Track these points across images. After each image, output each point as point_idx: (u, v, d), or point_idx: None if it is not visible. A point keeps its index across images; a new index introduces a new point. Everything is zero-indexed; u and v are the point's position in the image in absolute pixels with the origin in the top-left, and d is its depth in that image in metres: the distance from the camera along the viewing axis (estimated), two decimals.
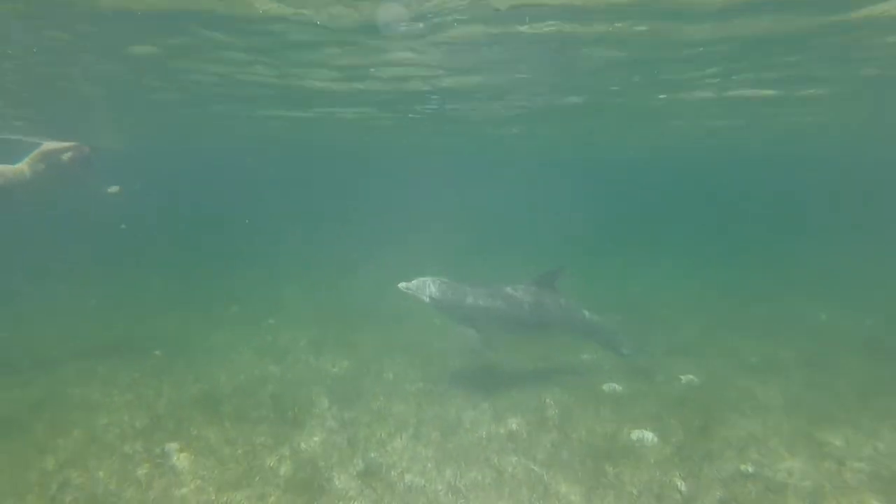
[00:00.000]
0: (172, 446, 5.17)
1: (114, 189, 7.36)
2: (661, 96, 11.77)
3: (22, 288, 12.70)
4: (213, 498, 4.43)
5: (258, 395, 6.49)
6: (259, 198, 36.65)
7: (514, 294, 6.71)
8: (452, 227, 21.25)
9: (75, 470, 4.81)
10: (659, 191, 47.43)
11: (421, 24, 7.06)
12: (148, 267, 15.77)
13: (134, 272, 15.21)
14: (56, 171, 6.87)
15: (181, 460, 4.98)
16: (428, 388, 6.80)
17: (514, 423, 5.78)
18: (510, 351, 7.84)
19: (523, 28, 7.12)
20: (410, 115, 14.65)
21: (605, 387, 6.84)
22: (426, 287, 6.67)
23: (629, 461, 5.02)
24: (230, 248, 19.43)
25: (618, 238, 24.40)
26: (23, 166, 6.72)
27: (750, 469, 4.87)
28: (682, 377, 7.20)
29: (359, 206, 42.67)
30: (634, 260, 18.11)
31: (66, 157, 6.91)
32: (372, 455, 5.14)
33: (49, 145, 6.92)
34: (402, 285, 6.75)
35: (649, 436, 5.46)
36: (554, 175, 38.33)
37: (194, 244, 20.35)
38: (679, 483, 4.67)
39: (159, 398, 6.35)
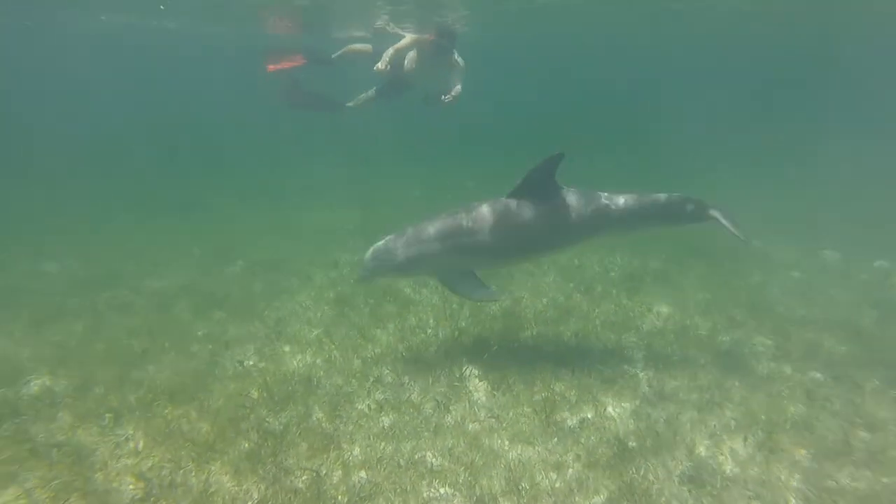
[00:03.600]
0: (472, 370, 4.92)
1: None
2: None
3: None
4: (506, 447, 3.93)
5: (561, 331, 5.78)
6: None
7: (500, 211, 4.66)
8: None
9: (386, 367, 5.01)
10: None
11: None
12: None
13: None
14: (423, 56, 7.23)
15: (478, 390, 4.67)
16: None
17: None
18: None
19: None
20: None
21: None
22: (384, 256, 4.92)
23: None
24: None
25: None
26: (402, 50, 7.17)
27: None
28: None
29: None
30: None
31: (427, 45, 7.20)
32: (701, 452, 3.85)
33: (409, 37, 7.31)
34: (359, 276, 5.26)
35: None
36: None
37: None
38: None
39: (462, 309, 6.28)
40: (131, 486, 3.53)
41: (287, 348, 5.45)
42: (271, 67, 7.36)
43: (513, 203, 4.67)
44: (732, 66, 27.46)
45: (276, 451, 3.84)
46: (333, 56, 8.07)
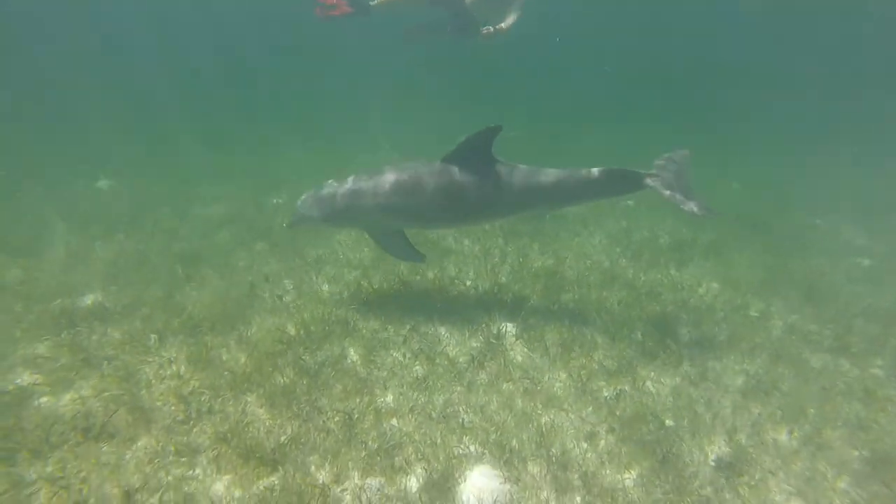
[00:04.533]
0: (508, 327, 4.85)
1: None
2: None
3: None
4: (539, 411, 3.89)
5: (604, 297, 5.60)
6: None
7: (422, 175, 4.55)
8: None
9: (422, 316, 4.98)
10: None
11: None
12: None
13: None
14: None
15: (514, 349, 4.61)
16: None
17: None
18: None
19: None
20: None
21: None
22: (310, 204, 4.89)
23: None
24: None
25: None
26: None
27: None
28: None
29: None
30: None
31: None
32: (741, 439, 3.72)
33: None
34: (290, 220, 5.12)
35: None
36: None
37: None
38: None
39: (503, 264, 6.15)
40: (173, 407, 3.68)
41: (326, 287, 5.48)
42: (319, 13, 7.11)
43: (445, 168, 4.54)
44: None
45: (311, 389, 3.91)
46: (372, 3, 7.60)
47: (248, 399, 3.79)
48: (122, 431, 3.47)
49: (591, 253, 6.68)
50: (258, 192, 8.90)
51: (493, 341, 4.65)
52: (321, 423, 3.64)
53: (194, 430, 3.51)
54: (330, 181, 4.86)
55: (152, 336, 4.37)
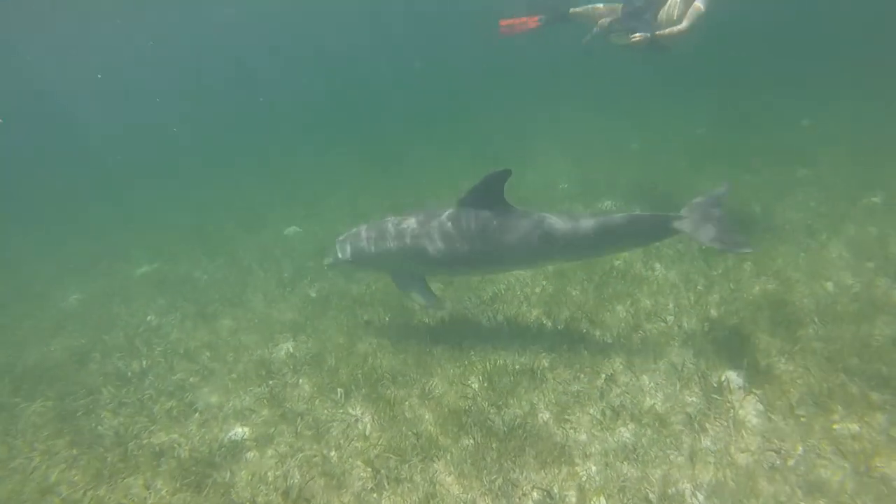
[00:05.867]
0: (732, 376, 3.93)
1: None
2: None
3: None
4: (799, 499, 2.96)
5: (862, 332, 4.31)
6: None
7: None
8: None
9: (618, 361, 4.30)
10: None
11: None
12: None
13: None
14: None
15: (745, 407, 3.68)
16: None
17: None
18: None
19: None
20: None
21: None
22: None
23: None
24: None
25: None
26: None
27: None
28: None
29: None
30: None
31: None
32: None
33: None
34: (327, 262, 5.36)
35: None
36: None
37: None
38: None
39: (710, 293, 5.16)
40: (362, 472, 3.56)
41: (506, 328, 5.10)
42: (504, 30, 6.97)
43: (462, 215, 4.46)
44: None
45: (502, 455, 3.51)
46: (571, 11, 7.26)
47: (436, 467, 3.51)
48: (316, 496, 3.43)
49: (828, 272, 5.30)
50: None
51: (715, 396, 3.78)
52: (517, 500, 3.20)
53: (383, 501, 3.33)
54: (360, 227, 5.00)
55: (339, 390, 4.39)
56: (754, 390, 3.77)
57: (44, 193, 16.65)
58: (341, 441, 3.87)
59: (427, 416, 4.01)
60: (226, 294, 6.97)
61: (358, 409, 4.21)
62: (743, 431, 3.47)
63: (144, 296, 7.46)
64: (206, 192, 13.76)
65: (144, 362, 5.42)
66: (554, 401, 3.97)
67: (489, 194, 4.35)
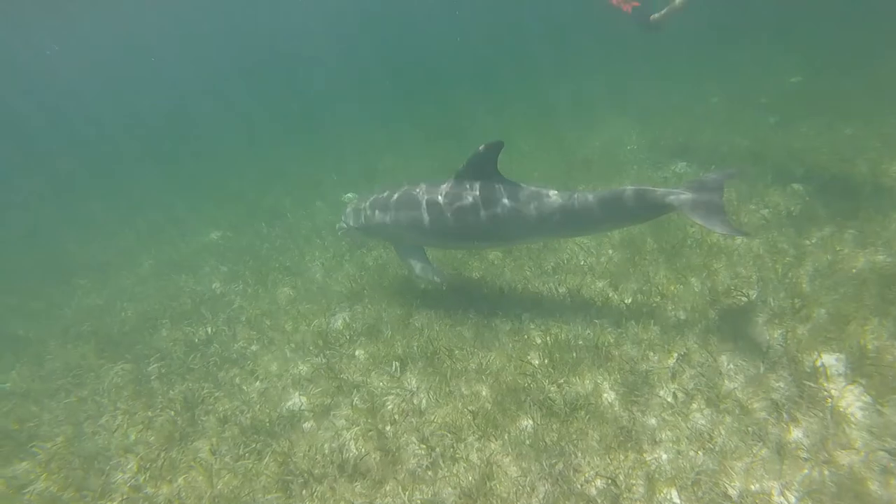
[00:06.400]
0: (830, 361, 3.50)
1: None
2: None
3: None
4: None
5: None
6: None
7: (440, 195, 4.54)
8: None
9: (692, 339, 3.95)
10: None
11: None
12: None
13: None
14: None
15: (846, 397, 3.27)
16: None
17: None
18: None
19: None
20: None
21: None
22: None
23: None
24: None
25: None
26: None
27: None
28: None
29: None
30: None
31: None
32: None
33: None
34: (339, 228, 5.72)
35: None
36: None
37: None
38: None
39: (801, 265, 4.62)
40: (417, 450, 3.48)
41: (569, 300, 4.82)
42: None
43: (457, 188, 4.50)
44: None
45: (562, 437, 3.31)
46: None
47: (493, 446, 3.37)
48: (372, 471, 3.40)
49: None
50: None
51: (808, 382, 3.38)
52: (577, 486, 3.01)
53: (439, 480, 3.24)
54: (371, 195, 5.13)
55: (394, 363, 4.32)
56: (858, 379, 3.34)
57: (122, 168, 17.55)
58: (396, 416, 3.81)
59: (484, 393, 3.86)
60: (284, 262, 7.07)
61: (413, 382, 4.13)
62: (844, 425, 3.08)
63: (209, 264, 7.72)
64: (269, 163, 14.03)
65: (210, 329, 5.60)
66: (620, 380, 3.71)
67: (484, 167, 4.37)
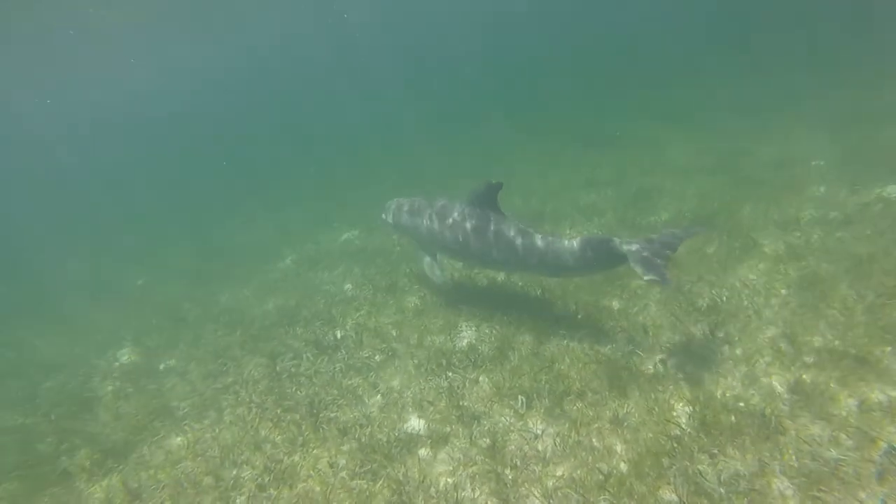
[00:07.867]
0: None
1: None
2: None
3: None
4: None
5: None
6: None
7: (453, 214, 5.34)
8: None
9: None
10: None
11: None
12: None
13: None
14: None
15: None
16: None
17: None
18: None
19: None
20: None
21: None
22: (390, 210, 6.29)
23: None
24: None
25: None
26: None
27: None
28: None
29: None
30: None
31: None
32: None
33: None
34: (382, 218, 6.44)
35: None
36: None
37: None
38: None
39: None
40: (538, 503, 3.17)
41: (727, 349, 4.14)
42: None
43: (465, 213, 5.20)
44: None
45: None
46: None
47: None
48: None
49: None
50: (630, 203, 7.99)
51: None
52: None
53: None
54: (413, 197, 5.94)
55: (520, 397, 4.03)
56: None
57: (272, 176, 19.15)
58: (517, 460, 3.52)
59: (618, 449, 3.42)
60: (415, 268, 7.09)
61: (539, 423, 3.80)
62: None
63: (344, 263, 8.04)
64: (399, 163, 14.45)
65: (339, 333, 5.76)
66: (795, 466, 3.04)
67: (487, 201, 5.02)
